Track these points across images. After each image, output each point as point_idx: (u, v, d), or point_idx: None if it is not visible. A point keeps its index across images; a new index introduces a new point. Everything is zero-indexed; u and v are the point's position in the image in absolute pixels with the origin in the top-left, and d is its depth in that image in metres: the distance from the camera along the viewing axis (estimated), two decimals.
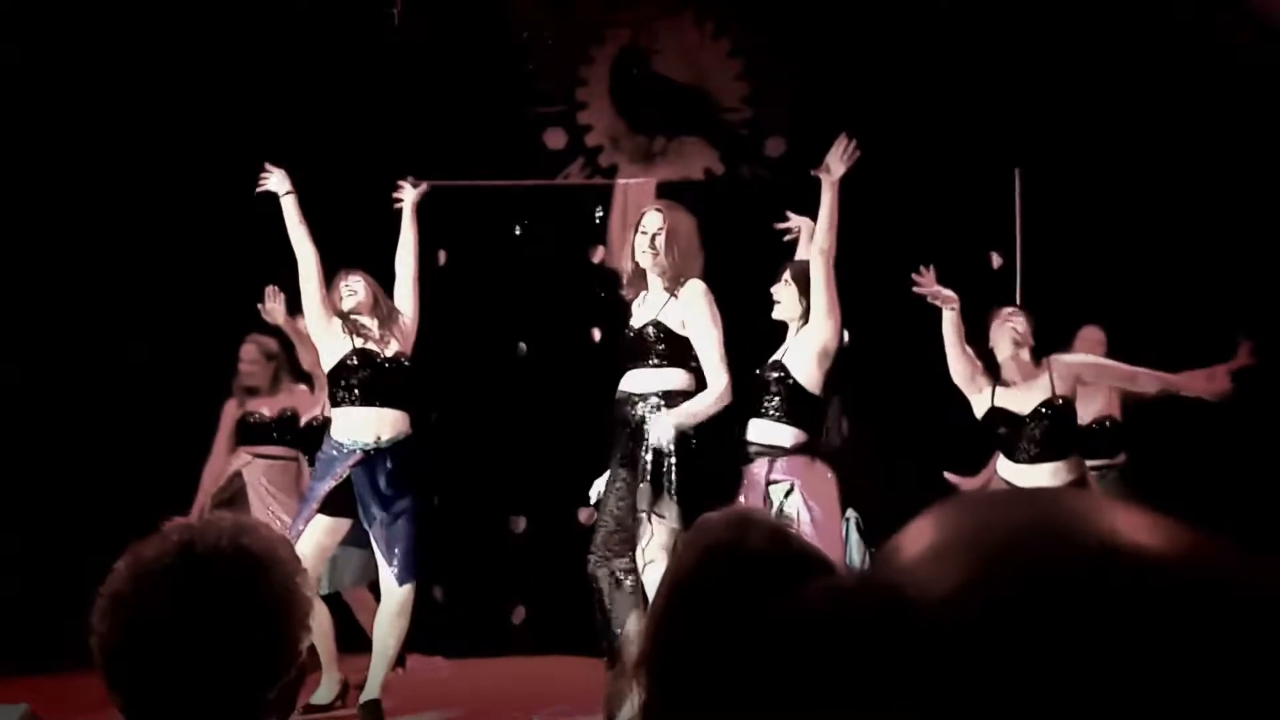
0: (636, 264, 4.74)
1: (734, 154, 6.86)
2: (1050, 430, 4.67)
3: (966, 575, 0.52)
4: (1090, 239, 6.28)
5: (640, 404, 4.62)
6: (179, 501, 5.46)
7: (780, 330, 4.86)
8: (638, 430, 4.57)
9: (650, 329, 4.67)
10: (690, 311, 4.64)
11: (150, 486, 5.63)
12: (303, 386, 5.90)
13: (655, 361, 4.66)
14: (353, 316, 4.96)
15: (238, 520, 1.54)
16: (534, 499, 6.52)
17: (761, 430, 4.67)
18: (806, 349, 4.64)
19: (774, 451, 4.60)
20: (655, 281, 4.74)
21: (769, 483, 4.58)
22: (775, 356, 4.73)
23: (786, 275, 4.77)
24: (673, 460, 4.51)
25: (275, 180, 5.02)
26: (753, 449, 4.67)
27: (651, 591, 4.46)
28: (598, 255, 6.60)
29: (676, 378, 4.65)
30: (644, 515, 4.52)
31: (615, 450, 4.68)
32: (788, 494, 4.56)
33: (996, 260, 6.39)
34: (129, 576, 1.44)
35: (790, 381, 4.62)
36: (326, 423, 5.14)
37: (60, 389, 6.32)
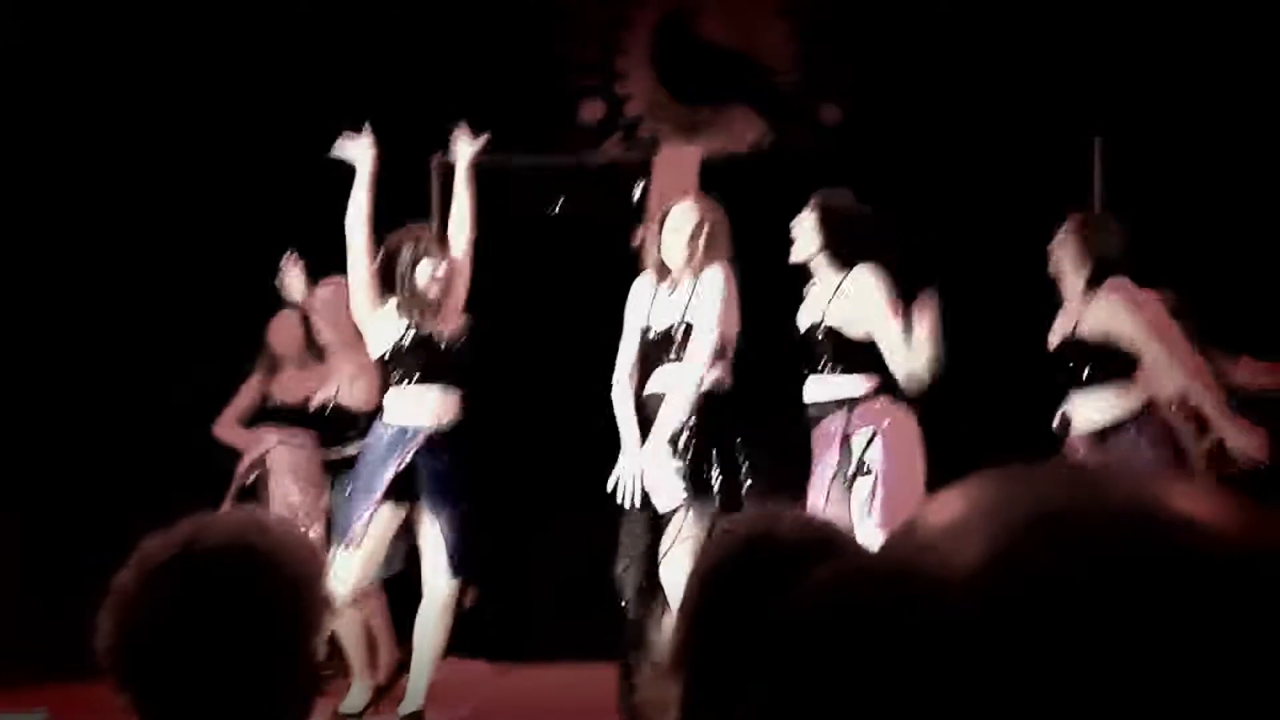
0: (662, 262, 4.70)
1: (785, 122, 6.83)
2: (1084, 356, 4.62)
3: (994, 548, 0.51)
4: (1175, 213, 6.19)
5: None
6: (200, 505, 5.54)
7: None
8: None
9: (683, 328, 4.63)
10: (706, 296, 4.60)
11: (172, 493, 5.70)
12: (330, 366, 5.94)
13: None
14: (421, 297, 4.86)
15: (246, 517, 1.57)
16: (571, 497, 6.54)
17: (822, 388, 4.58)
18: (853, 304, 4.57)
19: (846, 403, 4.50)
20: (683, 274, 4.69)
21: (846, 436, 4.47)
22: (813, 319, 4.64)
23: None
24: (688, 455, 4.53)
25: (359, 150, 4.87)
26: (816, 409, 4.58)
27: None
28: (638, 237, 6.59)
29: (709, 375, 4.62)
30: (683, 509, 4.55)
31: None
32: (869, 443, 4.44)
33: None
34: (134, 574, 1.48)
35: (833, 330, 4.55)
36: (338, 409, 5.13)
37: (82, 391, 6.43)
